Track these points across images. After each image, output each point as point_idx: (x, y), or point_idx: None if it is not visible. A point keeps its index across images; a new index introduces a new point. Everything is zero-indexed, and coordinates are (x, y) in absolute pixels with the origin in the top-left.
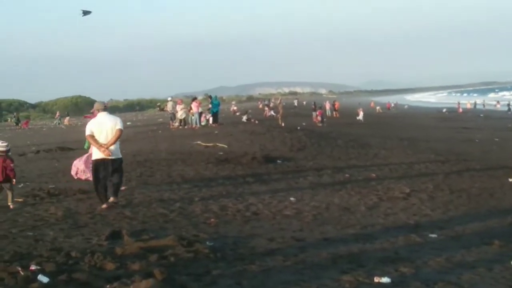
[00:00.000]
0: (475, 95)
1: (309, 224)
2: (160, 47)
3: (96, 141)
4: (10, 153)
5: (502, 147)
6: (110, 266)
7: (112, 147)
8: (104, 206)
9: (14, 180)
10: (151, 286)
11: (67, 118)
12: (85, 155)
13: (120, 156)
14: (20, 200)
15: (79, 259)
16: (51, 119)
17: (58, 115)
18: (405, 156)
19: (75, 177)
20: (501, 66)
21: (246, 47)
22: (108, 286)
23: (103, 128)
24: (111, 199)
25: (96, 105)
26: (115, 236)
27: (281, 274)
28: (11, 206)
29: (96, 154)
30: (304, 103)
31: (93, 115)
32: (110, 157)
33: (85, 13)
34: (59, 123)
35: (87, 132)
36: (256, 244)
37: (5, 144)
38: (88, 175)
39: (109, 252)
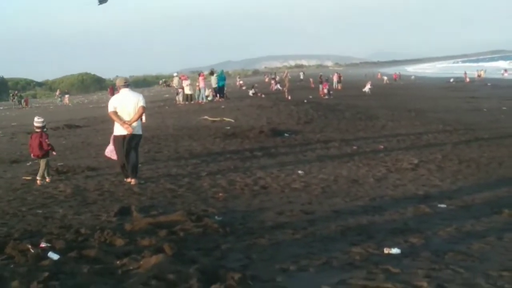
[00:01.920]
0: (482, 64)
1: (318, 197)
2: (166, 22)
3: (119, 117)
4: (46, 129)
5: (509, 115)
6: (119, 242)
7: (134, 124)
8: (129, 180)
9: (54, 152)
10: (161, 261)
11: (67, 96)
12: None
13: (141, 132)
14: (28, 178)
15: (88, 236)
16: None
17: (59, 93)
18: (413, 127)
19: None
20: (509, 34)
21: (252, 21)
22: (118, 262)
23: (126, 105)
24: (132, 181)
25: (118, 82)
26: (124, 212)
27: (291, 247)
28: (38, 182)
29: (119, 130)
30: (311, 79)
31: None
32: (132, 133)
33: (101, 1)
34: (60, 101)
35: (110, 109)
36: (265, 217)
37: (41, 120)
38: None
39: (118, 228)
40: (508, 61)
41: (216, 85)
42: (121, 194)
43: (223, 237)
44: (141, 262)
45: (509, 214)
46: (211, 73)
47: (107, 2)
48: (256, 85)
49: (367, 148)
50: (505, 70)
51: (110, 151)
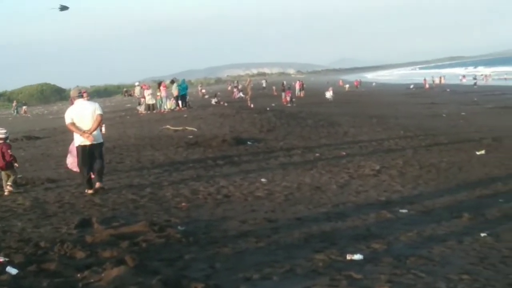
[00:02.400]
0: (441, 70)
1: (281, 204)
2: (127, 32)
3: (78, 128)
4: (8, 140)
5: (468, 121)
6: (80, 254)
7: (94, 132)
8: (90, 191)
9: (16, 164)
10: (123, 273)
11: (24, 107)
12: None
13: (102, 140)
14: None
15: (48, 249)
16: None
17: (15, 105)
18: (375, 133)
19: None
20: (467, 42)
21: (214, 29)
22: (79, 275)
23: (83, 114)
24: (98, 184)
25: (72, 92)
26: (85, 224)
27: (254, 255)
28: (6, 192)
29: (79, 140)
30: (273, 87)
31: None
32: (93, 142)
33: (63, 8)
34: (16, 113)
35: (68, 120)
36: (228, 226)
37: (4, 131)
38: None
39: (79, 240)
40: (465, 68)
41: (177, 94)
42: (82, 206)
43: (186, 247)
44: (103, 275)
45: (469, 218)
46: (172, 82)
47: (68, 10)
48: (218, 93)
49: (330, 155)
50: (463, 76)
51: (71, 163)
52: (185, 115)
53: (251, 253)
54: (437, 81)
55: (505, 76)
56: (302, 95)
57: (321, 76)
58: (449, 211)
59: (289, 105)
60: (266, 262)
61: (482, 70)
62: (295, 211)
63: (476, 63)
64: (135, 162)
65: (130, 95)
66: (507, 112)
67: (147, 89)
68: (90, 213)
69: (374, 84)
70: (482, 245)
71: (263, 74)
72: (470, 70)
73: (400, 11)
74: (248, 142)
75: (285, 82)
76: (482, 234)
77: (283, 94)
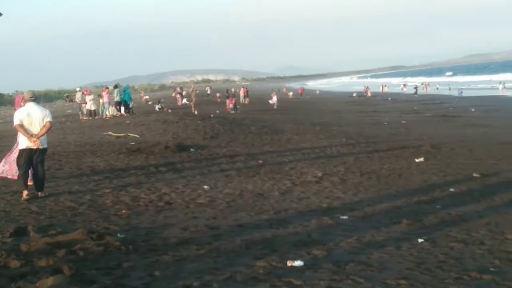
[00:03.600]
0: (383, 79)
1: (223, 211)
2: (67, 37)
3: (26, 130)
4: None
5: (408, 128)
6: (14, 264)
7: (41, 138)
8: (26, 192)
9: None
10: (59, 282)
11: None
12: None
13: (46, 146)
14: None
15: None
16: None
17: None
18: (318, 140)
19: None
20: (408, 51)
21: (158, 35)
22: (13, 284)
23: (33, 118)
24: (39, 194)
25: (25, 94)
26: (20, 232)
27: (195, 263)
28: None
29: (24, 143)
30: (217, 94)
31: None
32: (39, 147)
33: None
34: None
35: (16, 122)
36: (169, 234)
37: None
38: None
39: (14, 249)
40: (407, 77)
41: (118, 99)
42: (18, 214)
43: (125, 255)
44: (37, 284)
45: (407, 224)
46: (115, 87)
47: (2, 15)
48: (162, 99)
49: (273, 162)
50: (404, 85)
51: (6, 171)
52: (128, 121)
53: (191, 261)
54: (381, 89)
55: (437, 86)
56: (246, 102)
57: (265, 83)
58: (388, 217)
59: (233, 112)
60: (206, 269)
61: (421, 80)
62: (237, 218)
63: (415, 73)
64: (75, 169)
65: (72, 100)
66: (445, 121)
67: (89, 94)
68: (26, 221)
69: (318, 92)
70: (419, 250)
71: (208, 81)
72: (409, 79)
73: (343, 21)
74: (191, 149)
75: (233, 89)
76: (420, 240)
77: (227, 101)
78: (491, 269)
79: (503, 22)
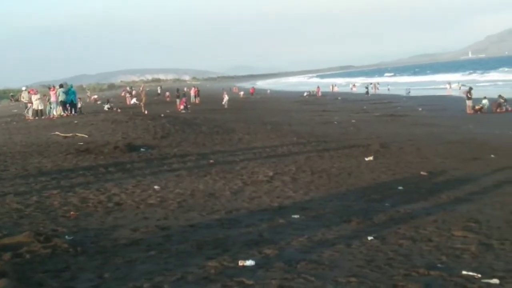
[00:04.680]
0: (333, 79)
1: (174, 211)
2: (14, 35)
3: None
4: None
5: (358, 127)
6: None
7: None
8: None
9: None
10: (4, 286)
11: None
12: None
13: None
14: None
15: None
16: None
17: None
18: (269, 140)
19: None
20: (357, 51)
21: (107, 34)
22: None
23: None
24: None
25: None
26: None
27: (145, 264)
28: None
29: None
30: (167, 93)
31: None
32: None
33: None
34: None
35: None
36: (119, 235)
37: None
38: None
39: None
40: (356, 77)
41: (62, 99)
42: None
43: (74, 257)
44: None
45: (357, 222)
46: (61, 86)
47: None
48: (111, 99)
49: (224, 161)
50: (354, 85)
51: None
52: (76, 121)
53: (142, 262)
54: (331, 89)
55: (388, 87)
56: (197, 101)
57: (216, 83)
58: (338, 216)
59: (184, 111)
60: (157, 270)
61: (371, 80)
62: (188, 218)
63: (366, 73)
64: (21, 170)
65: (17, 100)
66: (394, 120)
67: (35, 94)
68: None
69: (269, 91)
70: (369, 248)
71: (158, 80)
72: (360, 79)
73: (294, 21)
74: (141, 149)
75: (185, 89)
76: (369, 238)
77: (177, 100)
78: (439, 265)
79: (450, 23)
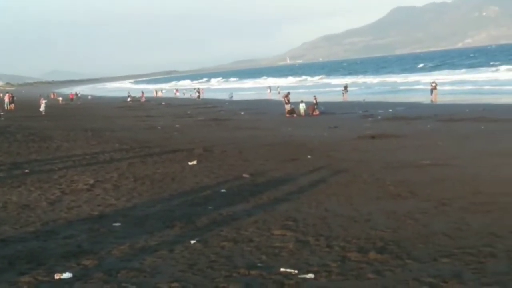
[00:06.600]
0: (159, 84)
1: None
2: None
3: None
4: None
5: (182, 132)
6: None
7: None
8: None
9: None
10: None
11: None
12: None
13: None
14: None
15: None
16: None
17: None
18: (89, 147)
19: None
20: (180, 57)
21: None
22: None
23: None
24: None
25: None
26: None
27: None
28: None
29: None
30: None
31: None
32: None
33: None
34: None
35: None
36: None
37: None
38: None
39: None
40: (180, 81)
41: None
42: None
43: None
44: None
45: (180, 226)
46: None
47: None
48: None
49: (41, 170)
50: (177, 90)
51: None
52: None
53: None
54: (154, 94)
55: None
56: (12, 108)
57: (33, 89)
58: (162, 221)
59: None
60: None
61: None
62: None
63: (189, 77)
64: None
65: None
66: (217, 124)
67: None
68: None
69: (90, 97)
70: (191, 252)
71: None
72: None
73: (115, 26)
74: None
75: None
76: (192, 241)
77: None
78: (259, 264)
79: (270, 31)
